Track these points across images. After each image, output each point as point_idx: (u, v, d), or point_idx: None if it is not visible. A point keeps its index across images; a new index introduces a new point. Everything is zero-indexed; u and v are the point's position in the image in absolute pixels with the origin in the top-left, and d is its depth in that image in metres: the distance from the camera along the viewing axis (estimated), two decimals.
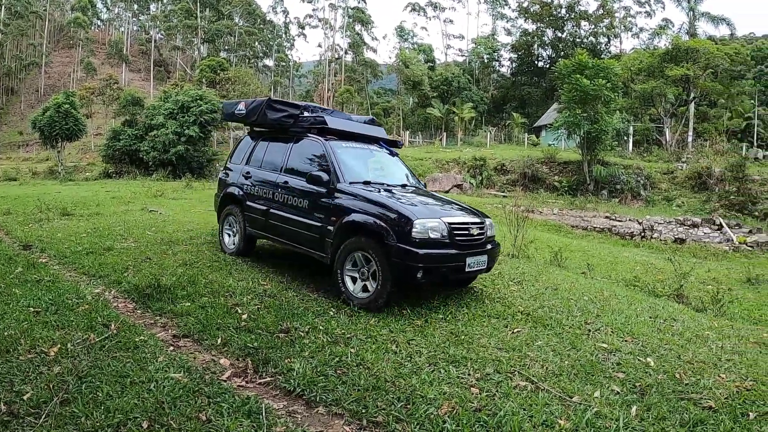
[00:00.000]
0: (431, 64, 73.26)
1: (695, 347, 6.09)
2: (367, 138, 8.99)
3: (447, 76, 67.93)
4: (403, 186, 8.29)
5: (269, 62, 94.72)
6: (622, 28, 75.04)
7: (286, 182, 8.26)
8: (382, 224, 6.64)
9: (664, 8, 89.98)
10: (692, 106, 46.35)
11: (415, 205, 6.99)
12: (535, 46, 78.34)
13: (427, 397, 4.34)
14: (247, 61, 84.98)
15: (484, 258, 7.19)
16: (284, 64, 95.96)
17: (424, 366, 4.97)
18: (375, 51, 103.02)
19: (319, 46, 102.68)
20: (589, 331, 6.37)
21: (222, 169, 10.29)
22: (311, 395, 4.39)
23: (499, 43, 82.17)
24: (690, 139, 45.62)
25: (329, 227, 7.29)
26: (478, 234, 7.14)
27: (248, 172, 9.14)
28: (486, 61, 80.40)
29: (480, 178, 34.43)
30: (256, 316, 6.07)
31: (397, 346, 5.40)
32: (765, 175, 30.75)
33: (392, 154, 9.25)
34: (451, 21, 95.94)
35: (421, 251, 6.44)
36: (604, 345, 5.87)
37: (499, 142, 54.08)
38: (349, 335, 5.64)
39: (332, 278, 7.12)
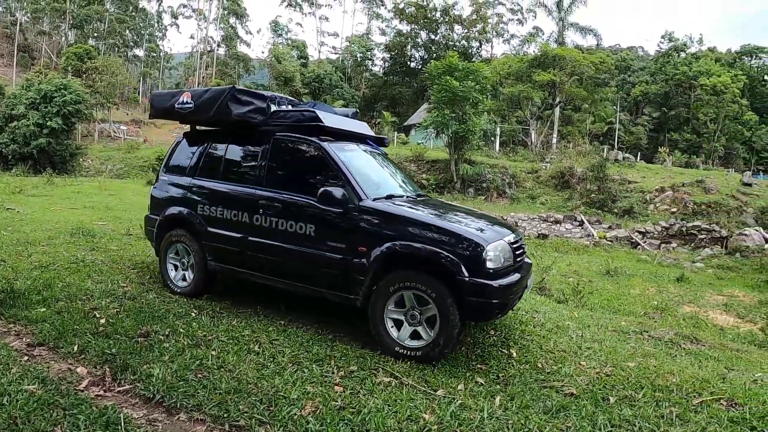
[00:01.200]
0: (304, 61, 72.87)
1: (556, 337, 6.32)
2: (358, 137, 7.21)
3: (319, 73, 68.00)
4: (417, 195, 6.98)
5: (139, 52, 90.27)
6: (494, 33, 77.86)
7: (272, 200, 6.29)
8: (446, 254, 5.22)
9: (535, 17, 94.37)
10: (557, 109, 48.98)
11: (469, 225, 5.71)
12: (409, 47, 79.57)
13: (290, 397, 4.27)
14: (116, 49, 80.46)
15: (532, 276, 6.44)
16: (155, 54, 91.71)
17: (288, 366, 4.90)
18: (249, 45, 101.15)
19: (192, 37, 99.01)
20: None
21: (154, 183, 7.89)
22: (172, 402, 4.20)
23: (373, 43, 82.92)
24: (554, 140, 48.17)
25: (357, 259, 5.64)
26: (523, 250, 6.17)
27: (201, 187, 7.01)
28: (359, 59, 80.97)
29: None
30: (115, 320, 5.75)
31: (260, 347, 5.30)
32: (624, 175, 32.86)
33: (384, 155, 7.58)
34: (326, 18, 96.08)
35: (498, 283, 5.24)
36: (468, 339, 5.95)
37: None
38: (210, 337, 5.46)
39: (370, 323, 5.59)
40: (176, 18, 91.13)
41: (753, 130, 63.43)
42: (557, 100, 46.89)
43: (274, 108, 6.80)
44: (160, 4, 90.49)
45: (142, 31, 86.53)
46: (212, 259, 6.80)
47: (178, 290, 7.06)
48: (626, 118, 66.29)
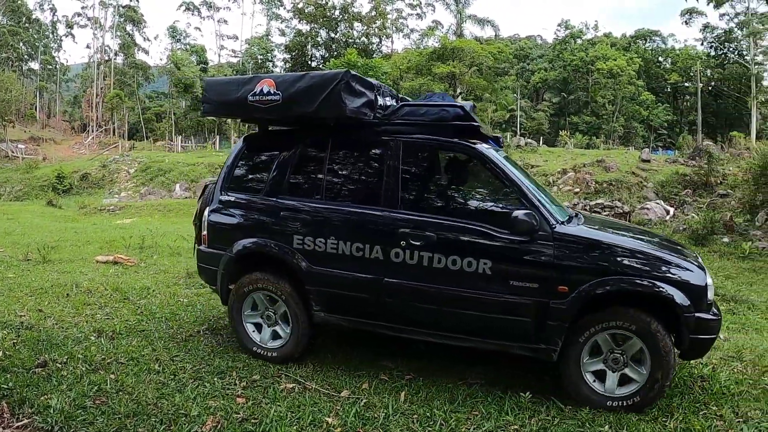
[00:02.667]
0: (204, 66, 71.57)
1: None
2: (488, 138, 5.59)
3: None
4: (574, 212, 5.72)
5: (35, 65, 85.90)
6: (394, 29, 78.50)
7: (422, 227, 4.82)
8: (673, 288, 4.39)
9: (434, 11, 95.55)
10: (459, 100, 49.01)
11: (669, 249, 4.97)
12: (309, 46, 79.57)
13: (191, 414, 4.15)
14: (10, 64, 76.10)
15: None
16: (51, 67, 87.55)
17: (189, 382, 4.76)
18: (147, 52, 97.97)
19: (89, 47, 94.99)
20: None
21: (209, 204, 5.77)
22: None
23: (273, 44, 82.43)
24: None
25: (555, 302, 4.48)
26: None
27: (296, 210, 5.29)
28: (260, 61, 79.93)
29: None
30: (12, 352, 5.40)
31: (160, 365, 5.11)
32: (527, 161, 32.97)
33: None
34: (225, 21, 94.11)
35: (717, 315, 4.63)
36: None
37: None
38: (109, 360, 5.22)
39: (563, 377, 4.66)
40: (71, 27, 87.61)
41: (650, 109, 65.92)
42: (458, 91, 47.09)
43: (381, 101, 5.30)
44: (54, 14, 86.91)
45: (37, 43, 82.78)
46: (321, 308, 5.17)
47: (271, 354, 5.35)
48: (527, 105, 67.59)
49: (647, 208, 22.83)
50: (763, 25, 52.58)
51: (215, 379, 4.80)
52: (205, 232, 5.66)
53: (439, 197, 5.29)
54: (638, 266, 4.45)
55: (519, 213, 4.44)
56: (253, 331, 5.46)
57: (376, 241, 4.89)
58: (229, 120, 56.09)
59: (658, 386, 4.36)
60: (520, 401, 4.44)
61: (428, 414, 4.24)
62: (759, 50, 56.04)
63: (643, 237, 5.23)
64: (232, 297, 5.44)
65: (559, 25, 77.38)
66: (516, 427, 4.14)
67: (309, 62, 78.94)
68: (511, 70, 62.52)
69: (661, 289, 4.36)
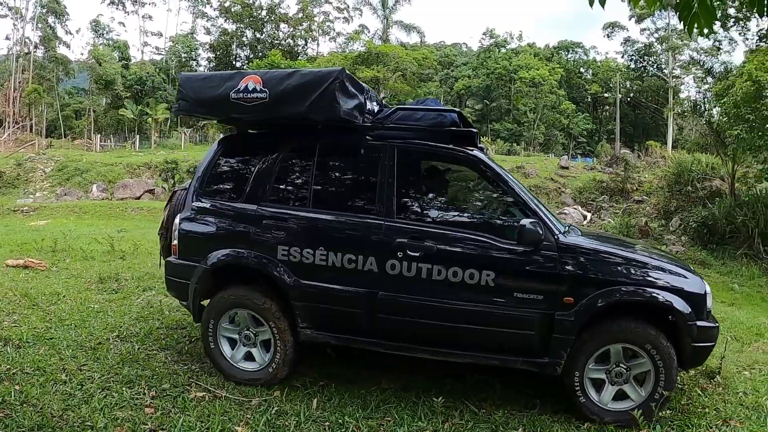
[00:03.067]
0: (126, 62, 69.16)
1: None
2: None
3: (141, 75, 64.79)
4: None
5: None
6: (321, 32, 78.08)
7: (420, 238, 4.60)
8: (675, 298, 4.37)
9: (361, 15, 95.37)
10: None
11: (667, 259, 5.07)
12: (234, 46, 78.14)
13: (97, 426, 4.03)
14: None
15: None
16: None
17: (96, 392, 4.59)
18: (68, 46, 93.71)
19: (8, 38, 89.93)
20: None
21: (180, 211, 5.31)
22: None
23: (198, 42, 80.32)
24: None
25: (560, 314, 4.38)
26: None
27: (280, 218, 4.91)
28: (183, 59, 77.80)
29: (172, 182, 32.47)
30: None
31: (67, 375, 4.91)
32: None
33: None
34: (150, 17, 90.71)
35: (716, 324, 4.65)
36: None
37: (195, 143, 52.89)
38: (14, 370, 4.99)
39: (566, 388, 4.55)
40: None
41: (570, 117, 67.47)
42: (382, 95, 47.12)
43: (369, 105, 5.01)
44: None
45: None
46: (308, 325, 4.77)
47: (247, 377, 4.91)
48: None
49: (565, 213, 23.26)
50: (682, 40, 54.80)
51: (124, 388, 4.67)
52: (176, 242, 5.17)
53: (438, 206, 5.15)
54: (642, 277, 4.46)
55: (527, 222, 4.33)
56: (226, 345, 5.01)
57: (371, 252, 4.60)
58: (149, 119, 54.56)
59: (657, 406, 4.34)
60: (434, 406, 4.48)
61: (340, 421, 4.28)
62: (677, 64, 58.42)
63: (637, 247, 5.32)
64: (207, 314, 4.99)
65: (484, 33, 78.55)
66: (429, 431, 4.23)
67: (233, 62, 77.65)
68: (435, 76, 63.13)
69: (666, 298, 4.37)
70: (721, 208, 18.65)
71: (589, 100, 75.10)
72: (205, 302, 5.19)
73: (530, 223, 4.31)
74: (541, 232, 4.32)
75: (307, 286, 4.70)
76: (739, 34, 39.55)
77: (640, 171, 28.75)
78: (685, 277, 4.59)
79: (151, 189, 32.16)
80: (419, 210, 4.97)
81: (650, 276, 4.48)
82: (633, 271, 4.46)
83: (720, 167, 21.58)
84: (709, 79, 50.29)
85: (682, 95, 60.05)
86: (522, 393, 4.95)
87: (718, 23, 37.08)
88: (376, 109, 5.15)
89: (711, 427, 4.49)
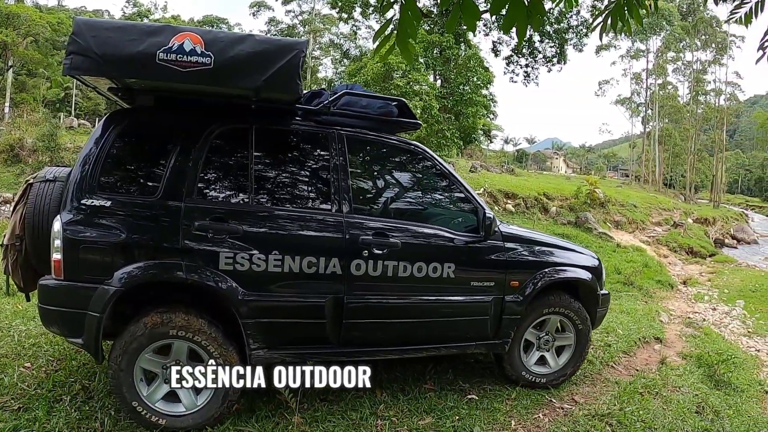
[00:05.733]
0: None
1: None
2: None
3: None
4: None
5: None
6: None
7: (385, 234, 4.27)
8: (589, 274, 5.25)
9: None
10: (10, 74, 44.49)
11: (568, 242, 6.07)
12: None
13: None
14: None
15: None
16: None
17: None
18: None
19: None
20: None
21: (56, 211, 3.83)
22: None
23: None
24: (7, 110, 43.75)
25: (510, 297, 4.74)
26: None
27: (219, 218, 3.93)
28: None
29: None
30: None
31: None
32: (78, 143, 31.61)
33: None
34: None
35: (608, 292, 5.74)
36: None
37: None
38: None
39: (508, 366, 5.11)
40: None
41: None
42: (9, 63, 42.76)
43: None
44: None
45: None
46: (261, 345, 4.00)
47: (179, 424, 3.90)
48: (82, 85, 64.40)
49: None
50: (324, 24, 58.46)
51: None
52: (57, 256, 3.70)
53: (396, 200, 4.86)
54: (561, 259, 5.11)
55: (490, 213, 4.56)
56: (142, 384, 3.88)
57: (335, 253, 4.14)
58: None
59: (571, 372, 5.31)
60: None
61: None
62: (317, 46, 62.21)
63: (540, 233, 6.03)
64: (120, 354, 3.77)
65: (127, 1, 75.10)
66: None
67: None
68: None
69: (580, 275, 5.15)
70: None
71: None
72: None
73: (491, 213, 4.56)
74: (495, 223, 4.62)
75: (260, 299, 3.99)
76: (377, 22, 44.92)
77: None
78: (590, 256, 5.48)
79: None
80: (378, 204, 4.74)
81: (566, 257, 5.18)
82: (556, 254, 5.11)
83: None
84: (346, 61, 53.18)
85: (319, 75, 64.57)
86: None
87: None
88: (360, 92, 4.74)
89: None
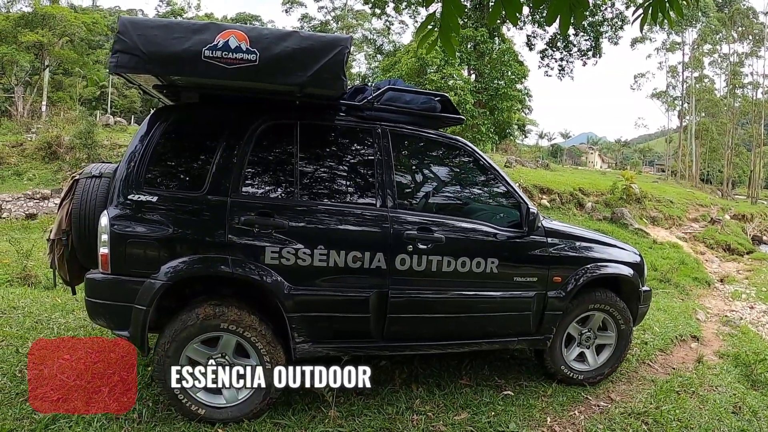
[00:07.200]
0: None
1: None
2: None
3: None
4: None
5: None
6: None
7: (429, 229, 4.30)
8: (632, 270, 5.23)
9: None
10: (47, 73, 45.32)
11: (609, 237, 6.00)
12: None
13: None
14: None
15: None
16: None
17: None
18: None
19: None
20: None
21: (102, 206, 3.94)
22: None
23: None
24: (44, 108, 44.56)
25: (553, 293, 4.75)
26: None
27: (264, 212, 3.99)
28: None
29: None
30: None
31: None
32: (114, 140, 32.15)
33: None
34: None
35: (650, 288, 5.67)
36: None
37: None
38: None
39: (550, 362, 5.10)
40: None
41: None
42: (46, 63, 43.47)
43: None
44: None
45: None
46: (306, 339, 4.08)
47: (217, 415, 3.99)
48: (119, 81, 65.47)
49: None
50: (356, 20, 58.95)
51: None
52: (104, 251, 3.79)
53: (439, 195, 4.90)
54: (602, 254, 5.08)
55: (533, 208, 4.58)
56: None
57: (379, 248, 4.17)
58: None
59: (609, 370, 5.29)
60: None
61: None
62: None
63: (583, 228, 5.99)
64: (169, 341, 3.87)
65: (161, 0, 76.18)
66: None
67: None
68: (106, 43, 59.86)
69: (622, 271, 5.12)
70: None
71: None
72: None
73: (535, 209, 4.60)
74: (540, 218, 4.66)
75: (306, 294, 4.06)
76: (410, 17, 45.10)
77: None
78: (632, 252, 5.44)
79: None
80: (422, 199, 4.73)
81: (608, 252, 5.15)
82: (598, 249, 5.08)
83: None
84: (379, 57, 53.57)
85: (353, 71, 65.04)
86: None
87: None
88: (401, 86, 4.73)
89: None
